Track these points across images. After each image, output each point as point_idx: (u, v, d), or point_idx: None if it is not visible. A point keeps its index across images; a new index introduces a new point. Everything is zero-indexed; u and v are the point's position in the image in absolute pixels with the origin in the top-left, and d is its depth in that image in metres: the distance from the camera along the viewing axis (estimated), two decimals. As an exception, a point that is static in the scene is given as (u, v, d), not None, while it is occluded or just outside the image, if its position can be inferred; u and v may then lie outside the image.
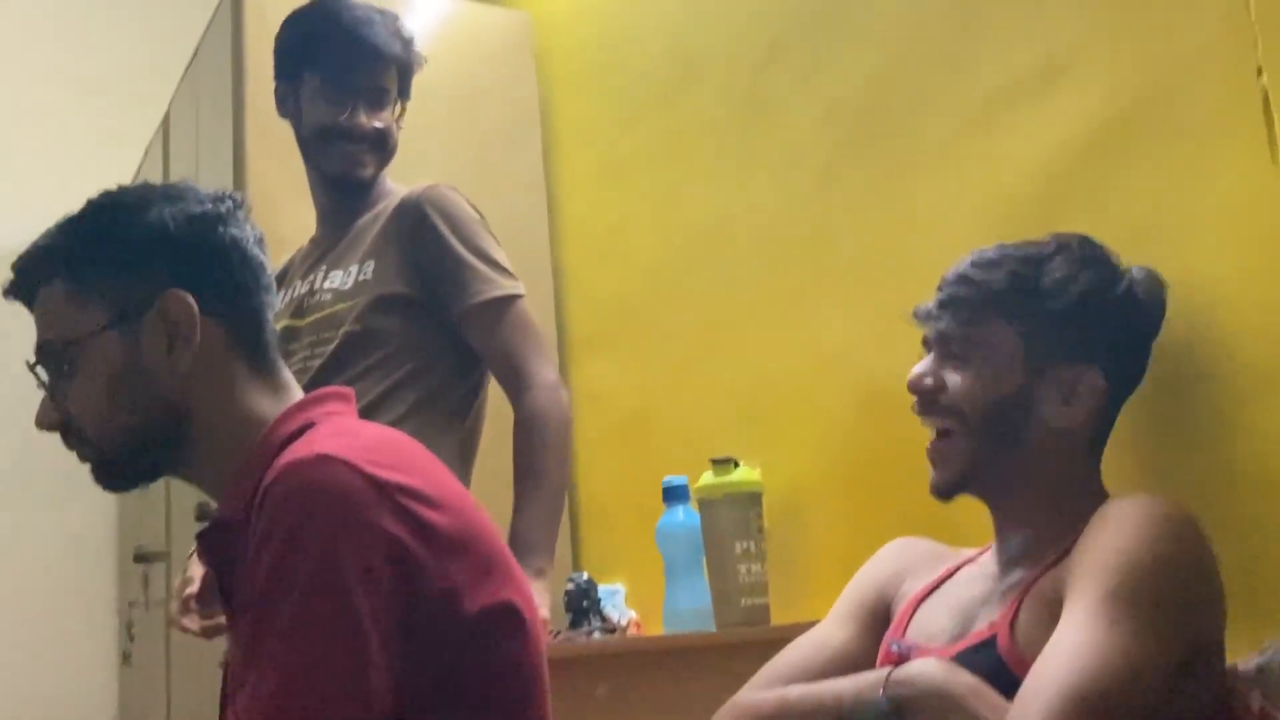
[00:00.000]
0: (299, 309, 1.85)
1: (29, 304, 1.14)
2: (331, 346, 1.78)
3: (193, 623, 1.71)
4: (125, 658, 3.06)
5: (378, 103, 1.85)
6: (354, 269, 1.82)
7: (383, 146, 1.87)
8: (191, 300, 1.09)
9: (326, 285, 1.84)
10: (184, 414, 1.09)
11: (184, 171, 2.78)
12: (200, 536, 1.13)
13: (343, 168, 1.86)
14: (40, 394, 1.13)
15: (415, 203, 1.81)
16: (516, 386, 1.78)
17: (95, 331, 1.08)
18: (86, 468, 1.13)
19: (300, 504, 0.97)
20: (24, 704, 3.00)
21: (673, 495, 1.94)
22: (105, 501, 3.05)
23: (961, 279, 1.24)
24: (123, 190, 1.16)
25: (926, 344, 1.27)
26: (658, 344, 2.35)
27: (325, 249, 1.90)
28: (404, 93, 1.91)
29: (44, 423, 1.13)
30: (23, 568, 3.09)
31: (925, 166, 1.73)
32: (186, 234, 1.11)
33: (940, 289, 1.26)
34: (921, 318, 1.27)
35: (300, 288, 1.88)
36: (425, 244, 1.79)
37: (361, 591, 0.94)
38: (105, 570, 3.18)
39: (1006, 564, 1.22)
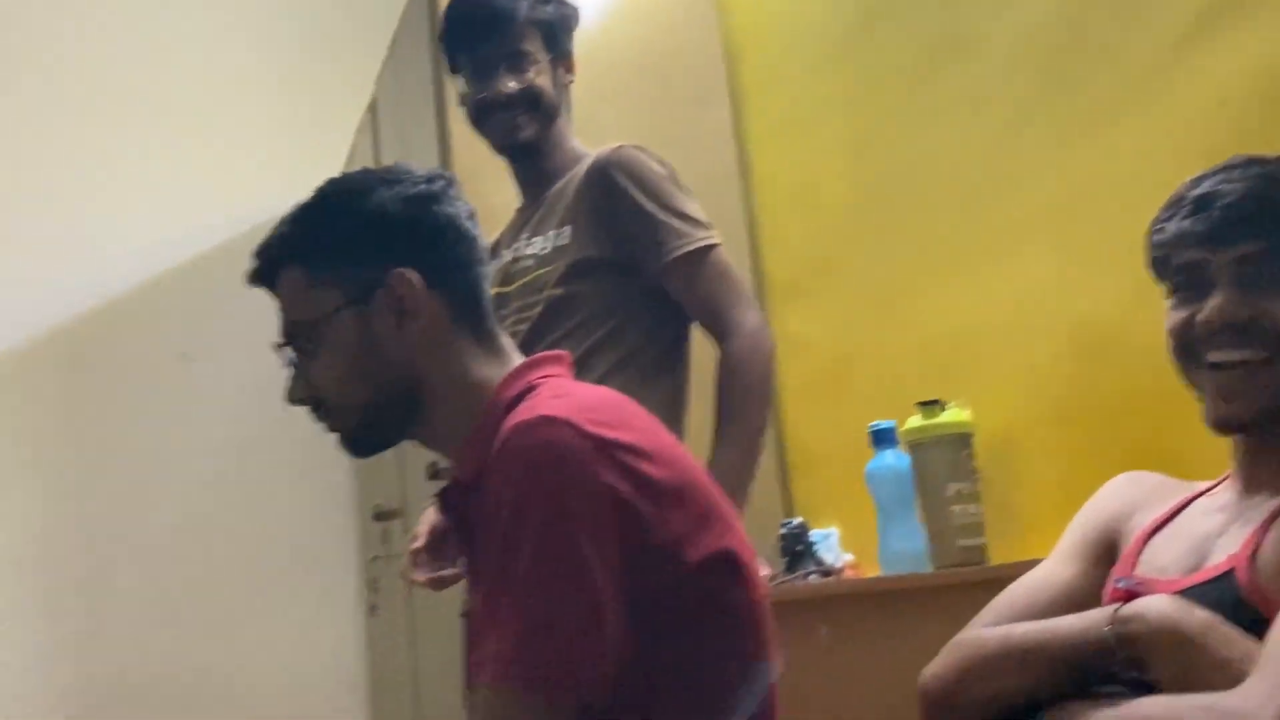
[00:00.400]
0: (506, 276, 1.93)
1: (271, 289, 1.24)
2: (536, 311, 1.85)
3: (421, 576, 1.82)
4: (371, 609, 3.27)
5: (517, 66, 1.89)
6: (551, 235, 1.88)
7: (535, 106, 1.90)
8: (416, 277, 1.17)
9: (528, 252, 1.92)
10: (416, 383, 1.18)
11: (394, 150, 2.93)
12: (440, 495, 1.22)
13: (501, 137, 1.92)
14: (288, 372, 1.24)
15: (602, 166, 1.86)
16: (719, 334, 1.81)
17: (332, 313, 1.17)
18: (326, 435, 1.24)
19: (528, 465, 1.03)
20: (280, 653, 3.25)
21: (881, 439, 1.95)
22: (344, 464, 3.26)
23: (1251, 195, 1.11)
24: (345, 178, 1.25)
25: (1171, 271, 1.16)
26: (857, 289, 2.35)
27: (526, 217, 1.98)
28: (556, 50, 1.93)
29: (293, 398, 1.23)
30: (272, 528, 3.33)
31: (1126, 98, 1.67)
32: (406, 215, 1.18)
33: (1200, 209, 1.13)
34: (1193, 242, 1.14)
35: (506, 256, 1.96)
36: (615, 207, 1.83)
37: (590, 545, 1.00)
38: (348, 528, 3.40)
39: (1248, 495, 1.15)
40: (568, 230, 1.87)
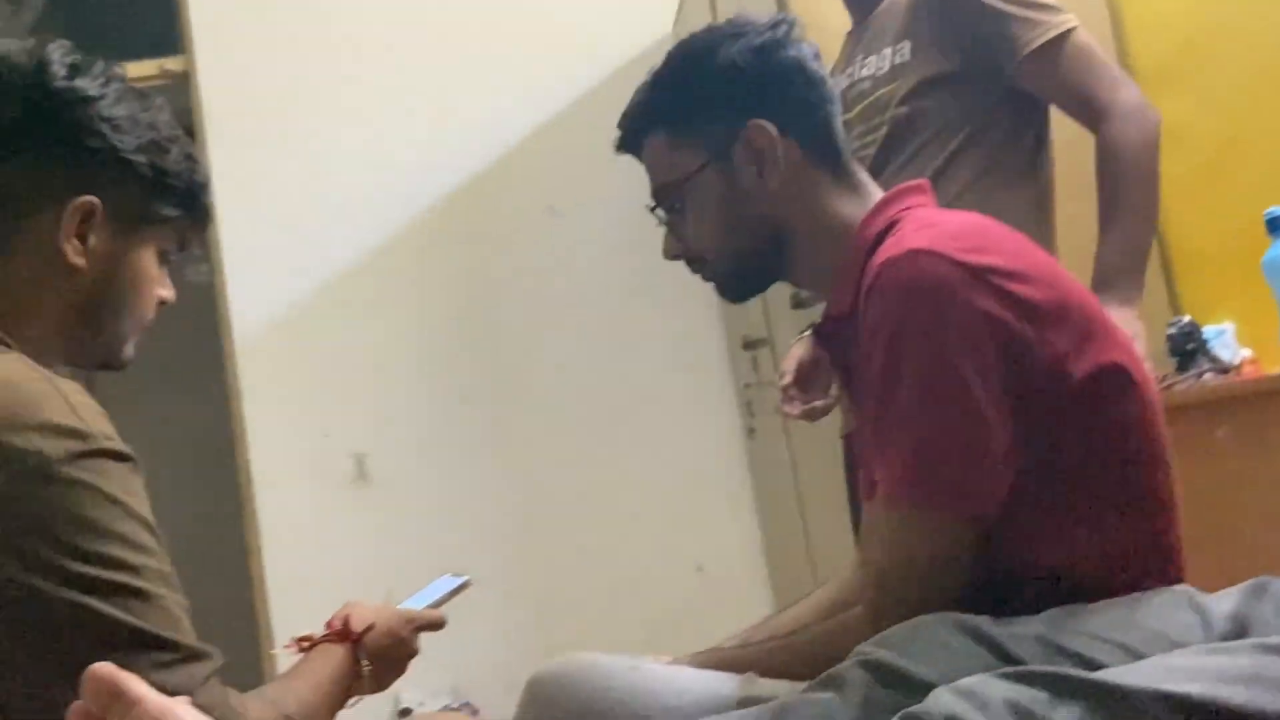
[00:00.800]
0: (845, 104, 1.91)
1: (637, 156, 1.31)
2: (882, 133, 1.83)
3: (794, 409, 1.90)
4: (750, 432, 3.43)
5: None
6: (888, 52, 1.85)
7: None
8: (771, 126, 1.21)
9: (864, 74, 1.89)
10: (782, 229, 1.22)
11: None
12: (815, 330, 1.28)
13: None
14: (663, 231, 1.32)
15: None
16: (1092, 120, 1.74)
17: (695, 171, 1.23)
18: (692, 277, 1.32)
19: (901, 298, 1.07)
20: (667, 476, 3.48)
21: (1278, 227, 1.81)
22: (711, 301, 3.39)
23: None
24: (693, 38, 1.28)
25: None
26: (1240, 70, 2.15)
27: (857, 39, 1.95)
28: None
29: (669, 254, 1.31)
30: (649, 362, 3.53)
31: None
32: (755, 66, 1.21)
33: None
34: None
35: (842, 82, 1.94)
36: (959, 13, 1.77)
37: (970, 369, 1.03)
38: (718, 357, 3.55)
39: None
40: (906, 46, 1.83)
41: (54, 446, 0.93)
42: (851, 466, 1.84)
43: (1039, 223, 1.78)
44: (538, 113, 3.56)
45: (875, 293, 1.08)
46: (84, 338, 1.10)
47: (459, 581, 1.50)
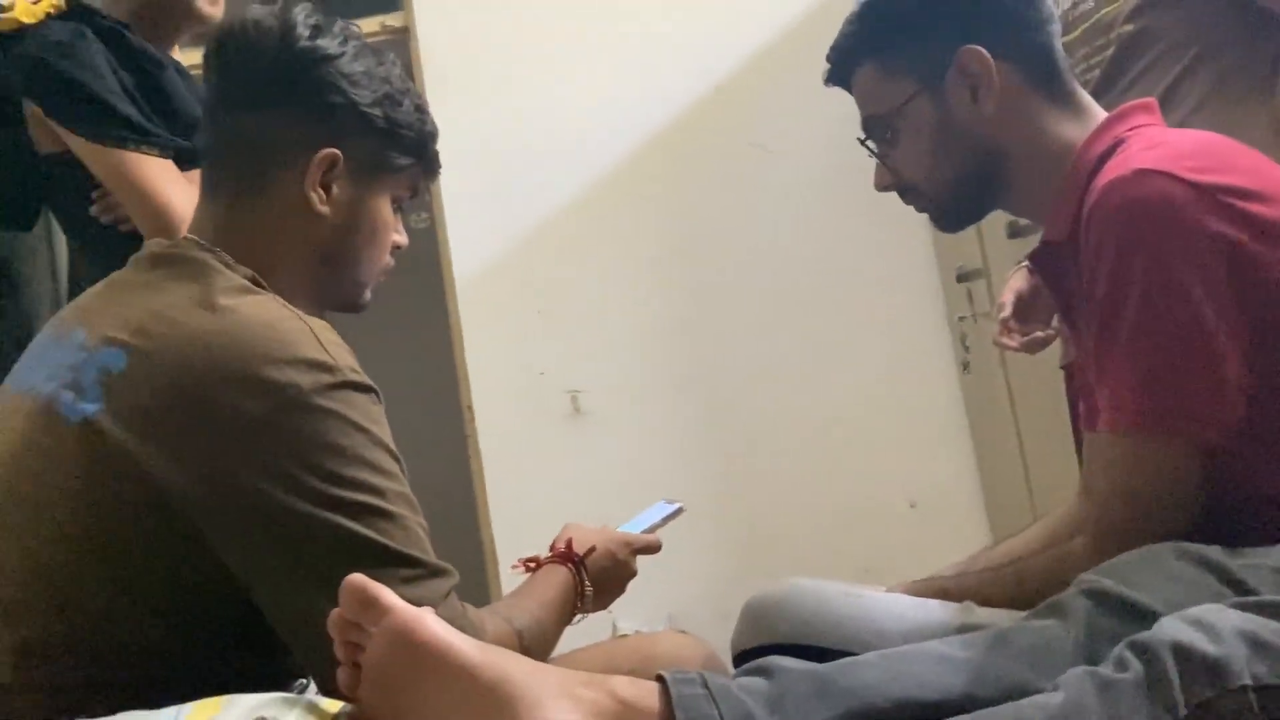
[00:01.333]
0: (1065, 25, 1.84)
1: (848, 88, 1.30)
2: (1107, 53, 1.75)
3: (1013, 341, 1.86)
4: (964, 366, 3.36)
5: None
6: None
7: None
8: (983, 50, 1.18)
9: None
10: (998, 154, 1.20)
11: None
12: (1032, 257, 1.25)
13: None
14: (872, 163, 1.31)
15: None
16: None
17: (907, 100, 1.22)
18: (902, 209, 1.31)
19: (1126, 219, 1.03)
20: (879, 411, 3.45)
21: None
22: (922, 233, 3.32)
23: None
24: None
25: None
26: None
27: None
28: None
29: (880, 185, 1.30)
30: (861, 296, 3.49)
31: None
32: None
33: None
34: None
35: (1063, 3, 1.87)
36: None
37: (1200, 291, 0.99)
38: (931, 289, 3.48)
39: None
40: None
41: (307, 379, 1.01)
42: (1074, 398, 1.80)
43: (1278, 144, 1.67)
44: (746, 47, 3.54)
45: (1098, 214, 1.06)
46: (327, 281, 1.18)
47: (673, 508, 1.54)
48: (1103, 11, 1.77)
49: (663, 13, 3.55)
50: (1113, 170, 1.07)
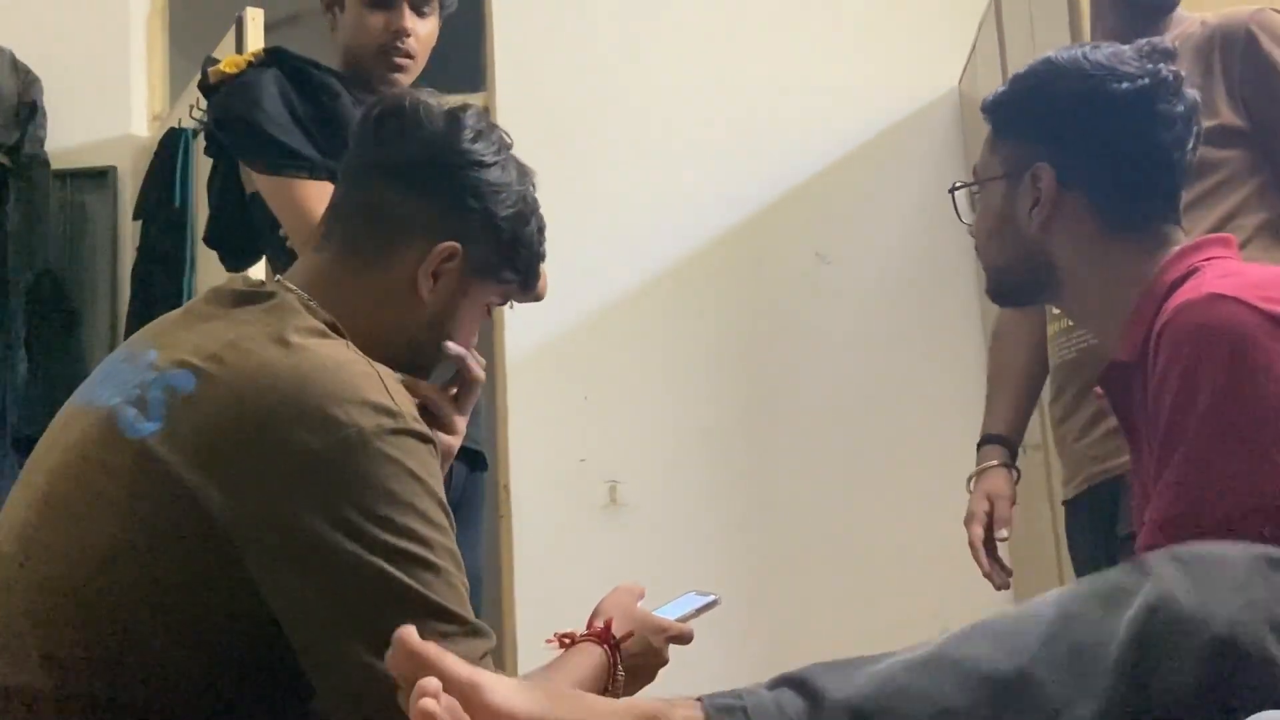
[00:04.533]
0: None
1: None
2: None
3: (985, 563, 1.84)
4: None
5: None
6: None
7: None
8: (1051, 173, 1.21)
9: None
10: (1048, 264, 1.24)
11: (1021, 43, 2.87)
12: (1101, 379, 1.25)
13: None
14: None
15: (1243, 29, 1.74)
16: None
17: (993, 178, 1.27)
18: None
19: (1196, 340, 1.04)
20: (921, 529, 3.34)
21: None
22: (975, 349, 3.29)
23: None
24: (1068, 56, 1.25)
25: None
26: None
27: None
28: None
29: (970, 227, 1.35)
30: (908, 414, 3.45)
31: None
32: (1084, 110, 1.20)
33: None
34: None
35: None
36: (1254, 70, 1.72)
37: (1267, 415, 0.99)
38: (981, 416, 3.46)
39: None
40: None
41: (370, 421, 1.02)
42: (1087, 528, 1.79)
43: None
44: (816, 158, 3.59)
45: (1168, 335, 1.06)
46: (402, 359, 1.19)
47: (707, 600, 1.51)
48: None
49: (740, 118, 3.62)
50: (1185, 294, 1.08)
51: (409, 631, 0.84)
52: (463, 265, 1.19)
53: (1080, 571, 1.85)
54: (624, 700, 0.84)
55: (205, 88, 1.97)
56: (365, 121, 1.23)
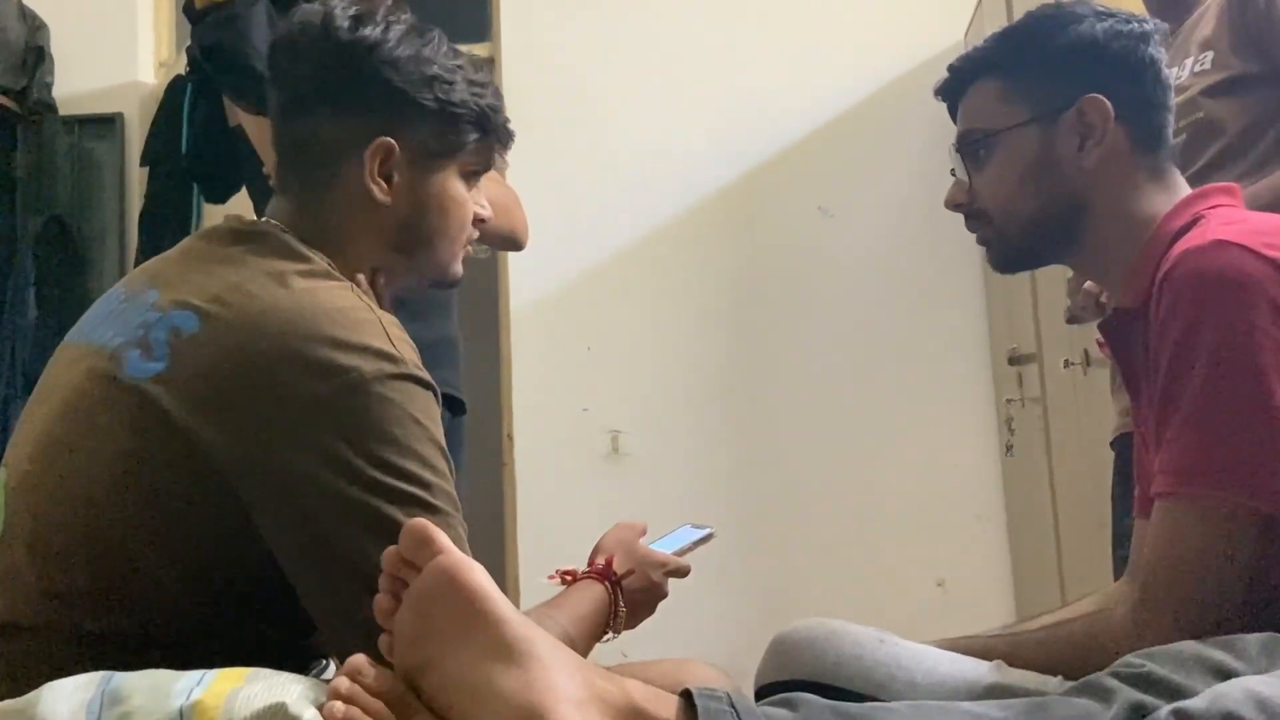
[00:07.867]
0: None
1: (957, 98, 1.29)
2: (1180, 139, 1.78)
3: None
4: (1007, 449, 3.34)
5: None
6: (1189, 62, 1.83)
7: None
8: (1108, 106, 1.19)
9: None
10: (1083, 207, 1.20)
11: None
12: (1101, 326, 1.25)
13: None
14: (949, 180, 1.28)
15: None
16: None
17: (1017, 125, 1.21)
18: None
19: (1199, 286, 1.04)
20: (915, 486, 3.42)
21: None
22: (976, 304, 3.32)
23: None
24: (1059, 6, 1.27)
25: None
26: None
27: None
28: None
29: (951, 203, 1.29)
30: (909, 369, 3.48)
31: None
32: (1114, 47, 1.20)
33: None
34: None
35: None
36: (1265, 20, 1.74)
37: (1271, 362, 0.99)
38: (981, 369, 3.46)
39: None
40: (1209, 56, 1.81)
41: (371, 365, 1.02)
42: (1123, 473, 1.78)
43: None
44: (818, 112, 3.58)
45: (1171, 281, 1.06)
46: (402, 264, 1.19)
47: (703, 533, 1.51)
48: (1176, 99, 1.79)
49: (741, 71, 3.60)
50: (1189, 241, 1.08)
51: (418, 521, 0.88)
52: (408, 154, 1.15)
53: (1114, 512, 1.85)
54: (599, 668, 0.86)
55: (190, 13, 1.91)
56: (268, 62, 1.20)
